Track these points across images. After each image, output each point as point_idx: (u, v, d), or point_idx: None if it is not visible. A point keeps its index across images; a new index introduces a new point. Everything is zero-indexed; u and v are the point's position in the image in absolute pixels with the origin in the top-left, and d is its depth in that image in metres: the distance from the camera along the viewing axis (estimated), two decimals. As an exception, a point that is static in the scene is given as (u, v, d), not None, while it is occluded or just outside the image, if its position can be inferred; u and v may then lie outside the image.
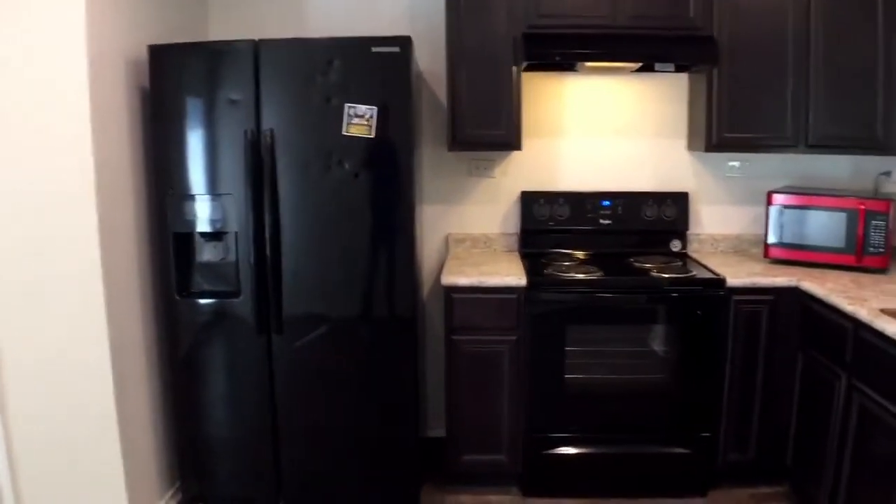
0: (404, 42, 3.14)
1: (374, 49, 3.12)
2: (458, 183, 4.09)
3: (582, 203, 3.99)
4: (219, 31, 3.90)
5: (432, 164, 4.00)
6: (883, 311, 2.79)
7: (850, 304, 2.95)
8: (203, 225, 3.25)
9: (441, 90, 3.85)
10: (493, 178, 4.07)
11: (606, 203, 3.99)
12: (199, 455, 3.41)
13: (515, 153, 3.96)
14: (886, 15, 3.49)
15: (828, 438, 3.08)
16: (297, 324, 3.28)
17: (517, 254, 4.01)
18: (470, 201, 4.11)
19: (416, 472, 3.48)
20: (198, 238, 3.30)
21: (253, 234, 3.20)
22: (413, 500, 3.48)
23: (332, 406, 3.37)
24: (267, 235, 3.20)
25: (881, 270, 3.47)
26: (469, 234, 4.11)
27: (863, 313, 2.84)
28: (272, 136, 3.13)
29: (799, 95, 3.60)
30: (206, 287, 3.33)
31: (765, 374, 3.50)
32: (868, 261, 3.47)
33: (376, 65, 3.13)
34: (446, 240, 4.11)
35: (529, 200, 3.99)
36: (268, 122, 3.13)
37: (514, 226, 4.10)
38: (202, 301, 3.30)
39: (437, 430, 3.91)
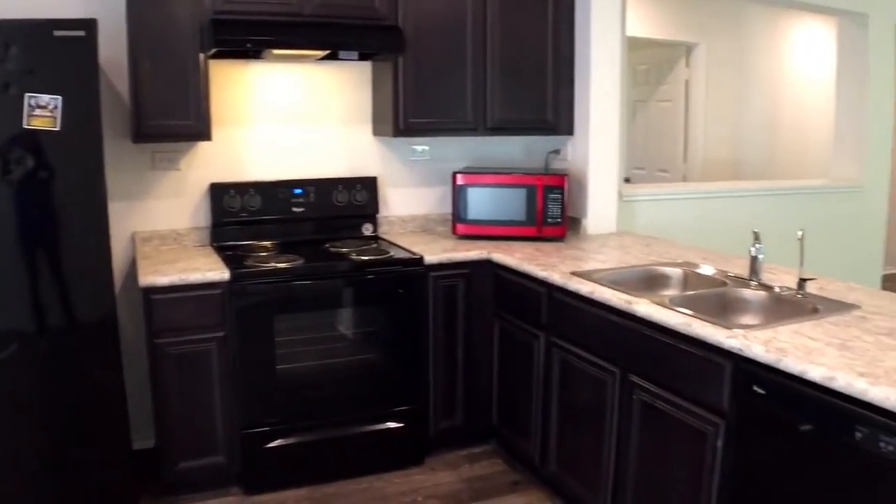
0: (90, 25, 2.90)
1: (56, 33, 2.85)
2: (142, 177, 3.82)
3: (273, 192, 3.95)
4: None
5: (112, 157, 3.68)
6: (573, 273, 3.13)
7: (542, 270, 3.27)
8: None
9: (117, 78, 3.59)
10: (178, 170, 3.87)
11: (298, 191, 3.99)
12: None
13: (202, 144, 3.81)
14: (556, 9, 3.92)
15: (532, 394, 3.39)
16: (-19, 345, 2.91)
17: (211, 248, 3.86)
18: (155, 196, 3.86)
19: (130, 488, 3.25)
20: None
21: (-82, 247, 2.77)
22: (129, 518, 3.26)
23: (34, 431, 3.03)
24: (-64, 247, 2.79)
25: (559, 239, 3.88)
26: (156, 230, 3.87)
27: (556, 277, 3.15)
28: (-64, 132, 2.74)
29: (479, 83, 3.91)
30: None
31: (465, 343, 3.76)
32: (548, 231, 3.86)
33: (59, 50, 2.87)
34: (132, 238, 3.83)
35: (219, 192, 3.86)
36: (-69, 115, 2.73)
37: (204, 219, 3.94)
38: None
39: (143, 442, 3.66)
